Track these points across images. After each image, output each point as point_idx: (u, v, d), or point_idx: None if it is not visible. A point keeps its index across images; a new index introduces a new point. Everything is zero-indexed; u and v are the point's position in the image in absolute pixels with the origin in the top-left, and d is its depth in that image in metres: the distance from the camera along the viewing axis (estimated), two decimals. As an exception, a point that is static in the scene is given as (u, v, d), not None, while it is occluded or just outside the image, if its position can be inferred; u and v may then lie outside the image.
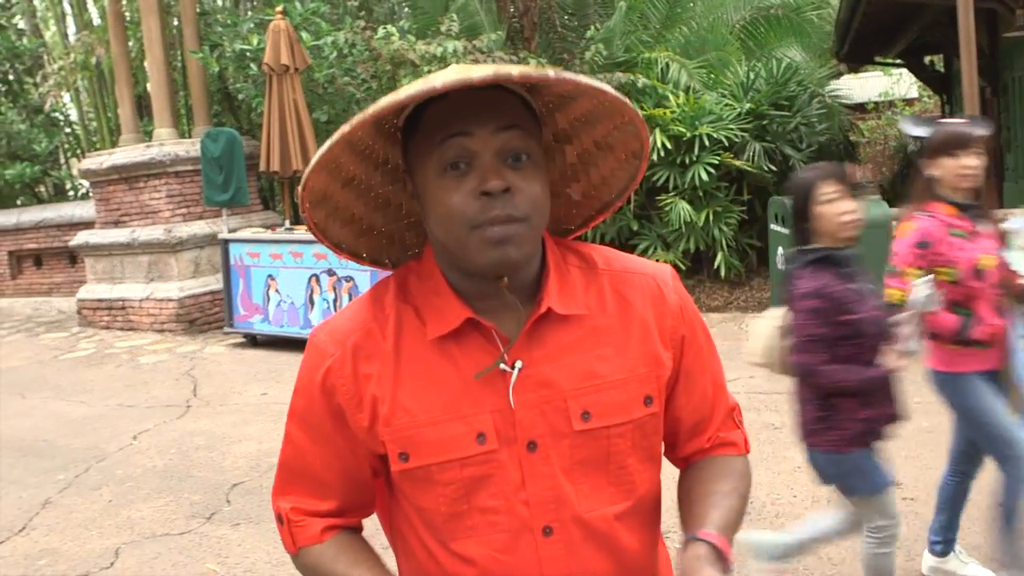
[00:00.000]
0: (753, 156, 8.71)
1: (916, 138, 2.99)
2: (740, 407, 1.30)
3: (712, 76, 9.86)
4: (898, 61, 12.48)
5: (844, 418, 2.55)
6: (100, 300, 10.01)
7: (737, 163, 8.61)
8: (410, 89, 0.98)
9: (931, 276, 2.65)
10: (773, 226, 7.43)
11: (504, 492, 1.10)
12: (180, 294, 9.41)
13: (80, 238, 10.36)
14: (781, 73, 9.36)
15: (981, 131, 2.81)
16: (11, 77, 14.05)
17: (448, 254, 1.11)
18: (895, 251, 2.80)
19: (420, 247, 1.26)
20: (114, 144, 11.37)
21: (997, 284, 2.77)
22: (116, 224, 10.03)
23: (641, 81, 8.98)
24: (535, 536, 1.10)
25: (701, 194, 8.58)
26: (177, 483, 4.76)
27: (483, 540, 1.11)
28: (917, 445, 4.31)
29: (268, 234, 8.58)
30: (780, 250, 7.21)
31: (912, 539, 3.37)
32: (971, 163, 2.74)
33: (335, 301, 7.75)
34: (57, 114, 14.39)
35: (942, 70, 12.24)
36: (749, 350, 2.90)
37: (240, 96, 10.33)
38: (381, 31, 8.86)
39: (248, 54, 9.62)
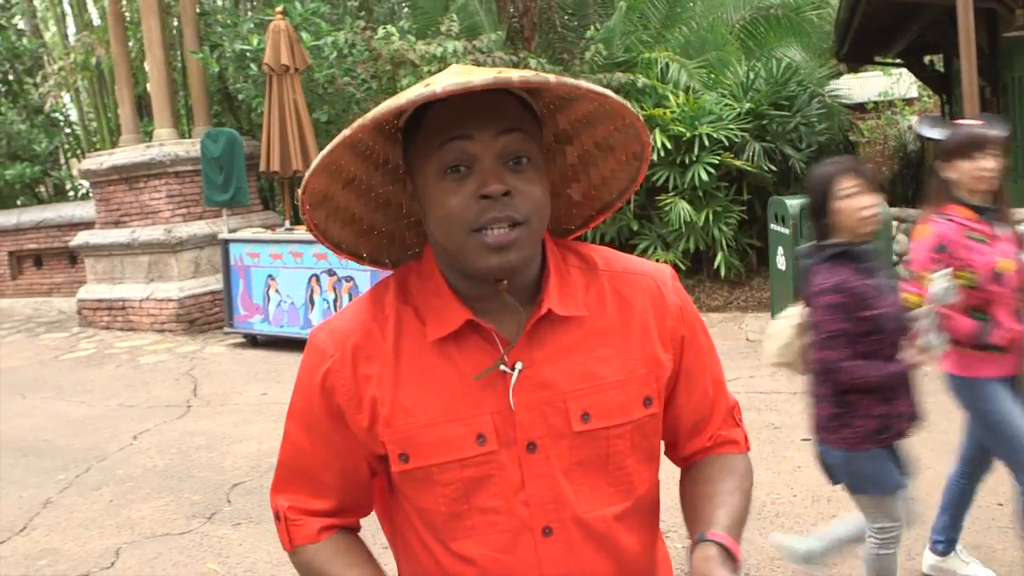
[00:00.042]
0: (753, 156, 8.71)
1: (929, 139, 2.97)
2: (740, 405, 1.31)
3: (712, 76, 9.87)
4: (898, 61, 12.48)
5: (859, 415, 2.51)
6: (100, 300, 10.01)
7: (737, 163, 8.61)
8: (411, 93, 0.98)
9: (949, 269, 2.61)
10: (773, 226, 7.43)
11: (504, 493, 1.11)
12: (180, 294, 9.41)
13: (80, 238, 10.36)
14: (781, 73, 9.37)
15: (998, 132, 2.78)
16: (11, 77, 14.04)
17: (447, 256, 1.11)
18: (912, 255, 2.77)
19: (420, 247, 1.26)
20: (114, 144, 11.37)
21: (1016, 288, 2.74)
22: (116, 224, 10.04)
23: (641, 81, 8.98)
24: (535, 536, 1.11)
25: (701, 194, 8.59)
26: (178, 483, 4.76)
27: (483, 540, 1.11)
28: (918, 444, 4.31)
29: (268, 234, 8.59)
30: (780, 250, 7.22)
31: (912, 538, 3.37)
32: (988, 165, 2.71)
33: (335, 301, 7.76)
34: (57, 114, 14.39)
35: (942, 70, 12.24)
36: (766, 351, 2.86)
37: (240, 96, 10.33)
38: (381, 31, 8.87)
39: (248, 54, 9.62)
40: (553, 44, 10.10)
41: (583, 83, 1.02)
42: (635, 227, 8.81)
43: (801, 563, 2.92)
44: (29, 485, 4.91)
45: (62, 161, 14.94)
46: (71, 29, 13.82)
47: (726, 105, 8.99)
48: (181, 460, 5.14)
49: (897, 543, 2.66)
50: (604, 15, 10.27)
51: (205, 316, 9.55)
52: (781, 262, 7.19)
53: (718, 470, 1.24)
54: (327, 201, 1.16)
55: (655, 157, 8.48)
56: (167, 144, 9.72)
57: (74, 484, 4.87)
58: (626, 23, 9.87)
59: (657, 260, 7.22)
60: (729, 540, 1.09)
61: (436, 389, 1.11)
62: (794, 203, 6.99)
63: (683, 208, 8.41)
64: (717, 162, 8.45)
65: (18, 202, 13.47)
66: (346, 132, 1.03)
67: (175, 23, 11.42)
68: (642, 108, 8.83)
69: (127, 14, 11.25)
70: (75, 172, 13.72)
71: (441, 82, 0.97)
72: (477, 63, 8.39)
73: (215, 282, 9.40)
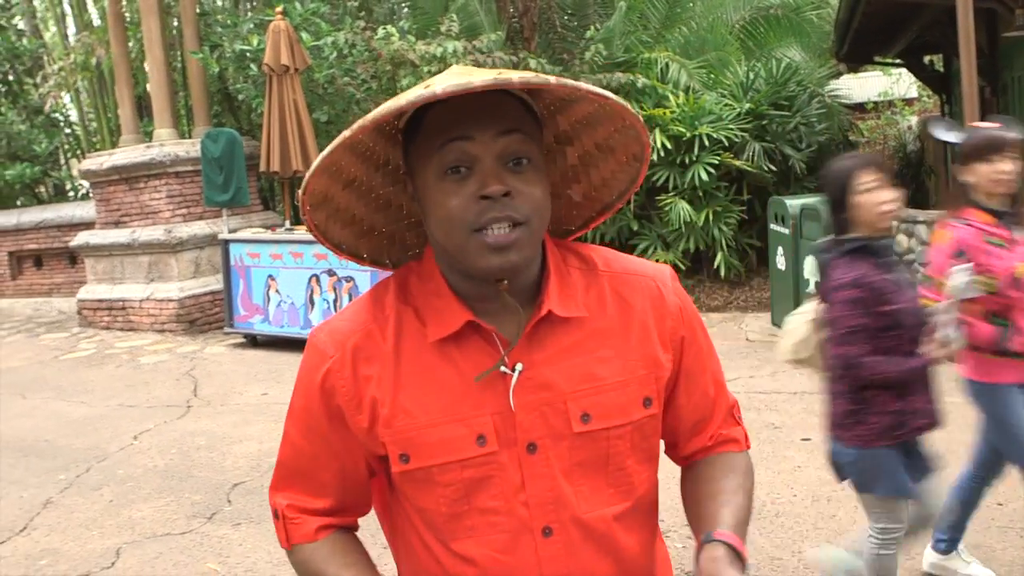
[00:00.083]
0: (753, 156, 8.72)
1: (944, 143, 2.93)
2: (739, 404, 1.32)
3: (712, 76, 9.87)
4: (897, 61, 12.47)
5: (874, 411, 2.48)
6: (100, 300, 10.01)
7: (737, 163, 8.61)
8: (411, 94, 0.98)
9: (970, 264, 2.57)
10: (773, 226, 7.43)
11: (504, 493, 1.11)
12: (180, 294, 9.41)
13: (80, 238, 10.36)
14: (781, 73, 9.37)
15: (1015, 135, 2.75)
16: (11, 78, 14.04)
17: (448, 256, 1.12)
18: (930, 260, 2.74)
19: (421, 248, 1.27)
20: (114, 145, 11.37)
21: None
22: (116, 224, 10.04)
23: (641, 81, 8.98)
24: (535, 537, 1.11)
25: (701, 194, 8.59)
26: (178, 483, 4.76)
27: (483, 540, 1.12)
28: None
29: (268, 234, 8.59)
30: (780, 250, 7.22)
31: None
32: (1006, 168, 2.68)
33: (335, 301, 7.76)
34: (57, 115, 14.38)
35: (941, 70, 12.23)
36: (781, 347, 2.82)
37: (240, 96, 10.33)
38: (381, 31, 8.87)
39: (248, 54, 9.62)
40: (553, 44, 10.10)
41: (583, 84, 1.02)
42: (635, 227, 8.81)
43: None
44: (29, 485, 4.91)
45: (62, 161, 14.93)
46: (71, 29, 13.82)
47: (726, 105, 8.99)
48: (181, 460, 5.15)
49: (898, 544, 2.65)
50: (604, 15, 10.27)
51: (205, 316, 9.55)
52: (781, 262, 7.19)
53: (720, 469, 1.24)
54: (328, 202, 1.16)
55: (655, 157, 8.48)
56: (167, 144, 9.73)
57: (74, 484, 4.88)
58: (626, 23, 9.88)
59: (657, 260, 7.24)
60: (736, 540, 1.10)
61: (436, 390, 1.11)
62: (794, 203, 6.99)
63: (683, 208, 8.42)
64: (717, 162, 8.46)
65: (18, 202, 13.47)
66: (346, 133, 1.03)
67: (175, 23, 11.42)
68: (642, 108, 8.84)
69: (127, 14, 11.25)
70: (75, 172, 13.72)
71: (441, 83, 0.97)
72: (477, 63, 8.39)
73: (215, 282, 9.40)
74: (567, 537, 1.12)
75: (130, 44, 10.99)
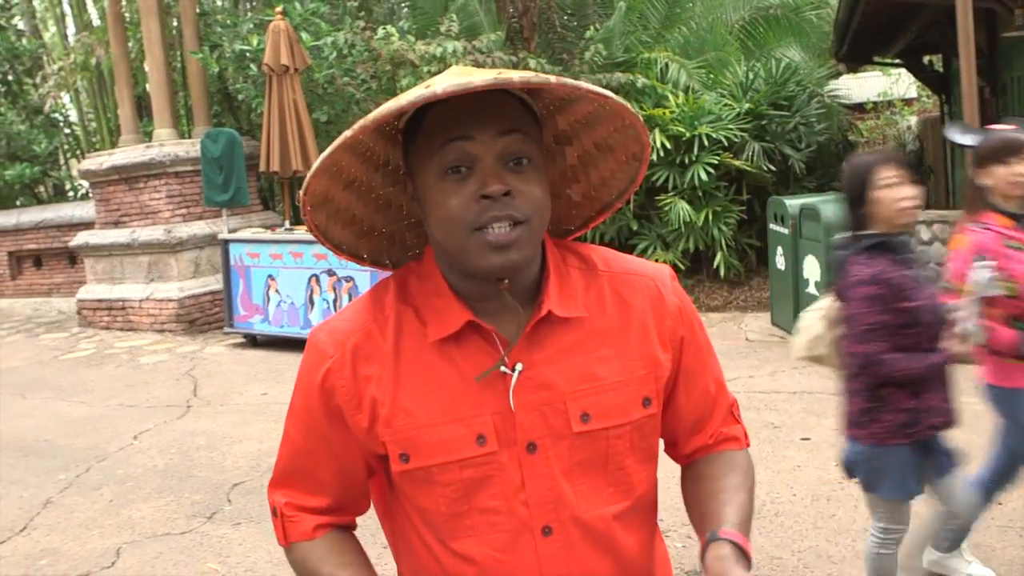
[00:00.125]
0: (752, 156, 8.72)
1: (961, 146, 2.90)
2: (739, 403, 1.32)
3: (711, 76, 9.87)
4: (897, 61, 12.47)
5: (889, 409, 2.47)
6: (100, 300, 10.01)
7: (736, 163, 8.62)
8: (411, 95, 0.98)
9: (993, 260, 2.56)
10: (772, 226, 7.43)
11: (504, 493, 1.11)
12: (180, 294, 9.42)
13: (80, 238, 10.36)
14: (780, 73, 9.37)
15: None
16: (11, 78, 14.04)
17: (448, 256, 1.12)
18: (950, 265, 2.72)
19: (421, 248, 1.27)
20: (114, 145, 11.37)
21: None
22: (116, 224, 10.04)
23: (640, 81, 8.99)
24: (534, 536, 1.11)
25: (700, 194, 8.59)
26: (178, 483, 4.76)
27: (483, 540, 1.12)
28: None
29: (268, 234, 8.59)
30: (779, 250, 7.22)
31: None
32: (1023, 170, 2.67)
33: (335, 301, 7.76)
34: (57, 115, 14.39)
35: (941, 70, 12.23)
36: (795, 344, 2.80)
37: (240, 96, 10.33)
38: (381, 31, 8.87)
39: (248, 54, 9.62)
40: (553, 44, 10.10)
41: (583, 84, 1.03)
42: (635, 227, 8.81)
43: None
44: (29, 485, 4.91)
45: (62, 161, 14.94)
46: (71, 29, 13.83)
47: (725, 105, 9.00)
48: (181, 460, 5.15)
49: (898, 544, 2.66)
50: (604, 15, 10.28)
51: (205, 316, 9.55)
52: (780, 262, 7.19)
53: (721, 467, 1.24)
54: (328, 202, 1.16)
55: (655, 157, 8.48)
56: (167, 144, 9.73)
57: (74, 484, 4.88)
58: (626, 23, 9.88)
59: (657, 260, 7.24)
60: (741, 538, 1.10)
61: (436, 390, 1.11)
62: (793, 203, 6.99)
63: (682, 208, 8.42)
64: (716, 162, 8.46)
65: (18, 202, 13.47)
66: (347, 134, 1.03)
67: (175, 23, 11.42)
68: (642, 108, 8.84)
69: (127, 14, 11.25)
70: (75, 172, 13.72)
71: (442, 83, 0.97)
72: (477, 63, 8.39)
73: (215, 282, 9.41)
74: (567, 536, 1.12)
75: (130, 44, 10.99)
